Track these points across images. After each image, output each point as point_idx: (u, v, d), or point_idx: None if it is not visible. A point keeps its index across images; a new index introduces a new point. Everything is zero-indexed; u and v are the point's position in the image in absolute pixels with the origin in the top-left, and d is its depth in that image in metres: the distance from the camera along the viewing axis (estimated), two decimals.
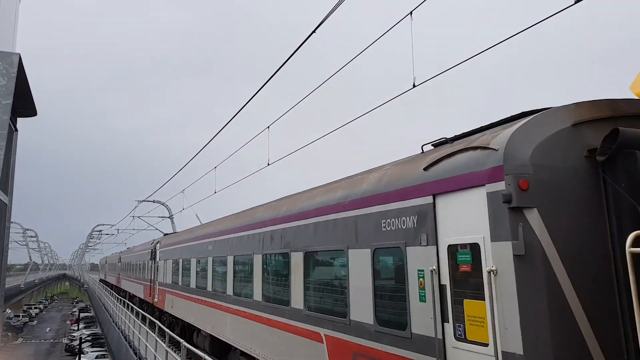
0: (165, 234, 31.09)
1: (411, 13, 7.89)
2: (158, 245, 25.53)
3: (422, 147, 6.95)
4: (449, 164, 5.68)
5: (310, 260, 8.92)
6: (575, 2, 5.77)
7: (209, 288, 15.02)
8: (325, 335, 8.05)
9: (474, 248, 5.12)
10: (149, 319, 20.99)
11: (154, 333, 17.63)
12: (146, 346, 18.31)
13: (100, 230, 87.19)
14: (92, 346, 44.24)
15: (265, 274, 10.86)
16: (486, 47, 6.99)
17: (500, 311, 4.77)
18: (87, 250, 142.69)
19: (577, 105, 5.19)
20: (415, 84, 8.10)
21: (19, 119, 5.37)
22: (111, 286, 54.06)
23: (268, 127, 13.85)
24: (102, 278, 73.08)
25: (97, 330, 54.37)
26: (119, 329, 29.96)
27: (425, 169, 6.07)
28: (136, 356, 20.89)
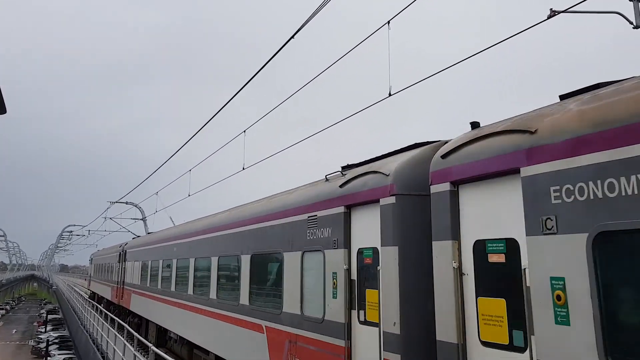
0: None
1: (389, 22, 7.94)
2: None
3: (326, 176, 7.98)
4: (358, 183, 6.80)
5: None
6: (548, 18, 5.90)
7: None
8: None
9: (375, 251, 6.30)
10: (118, 321, 20.61)
11: (123, 336, 17.29)
12: (114, 350, 17.94)
13: (71, 231, 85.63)
14: (59, 349, 43.12)
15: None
16: (461, 58, 7.08)
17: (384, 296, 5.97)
18: (56, 251, 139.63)
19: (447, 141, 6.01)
20: (391, 93, 8.15)
21: None
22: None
23: (244, 131, 13.77)
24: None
25: (65, 332, 53.10)
26: (87, 331, 29.35)
27: (341, 186, 7.13)
28: (104, 359, 20.44)
